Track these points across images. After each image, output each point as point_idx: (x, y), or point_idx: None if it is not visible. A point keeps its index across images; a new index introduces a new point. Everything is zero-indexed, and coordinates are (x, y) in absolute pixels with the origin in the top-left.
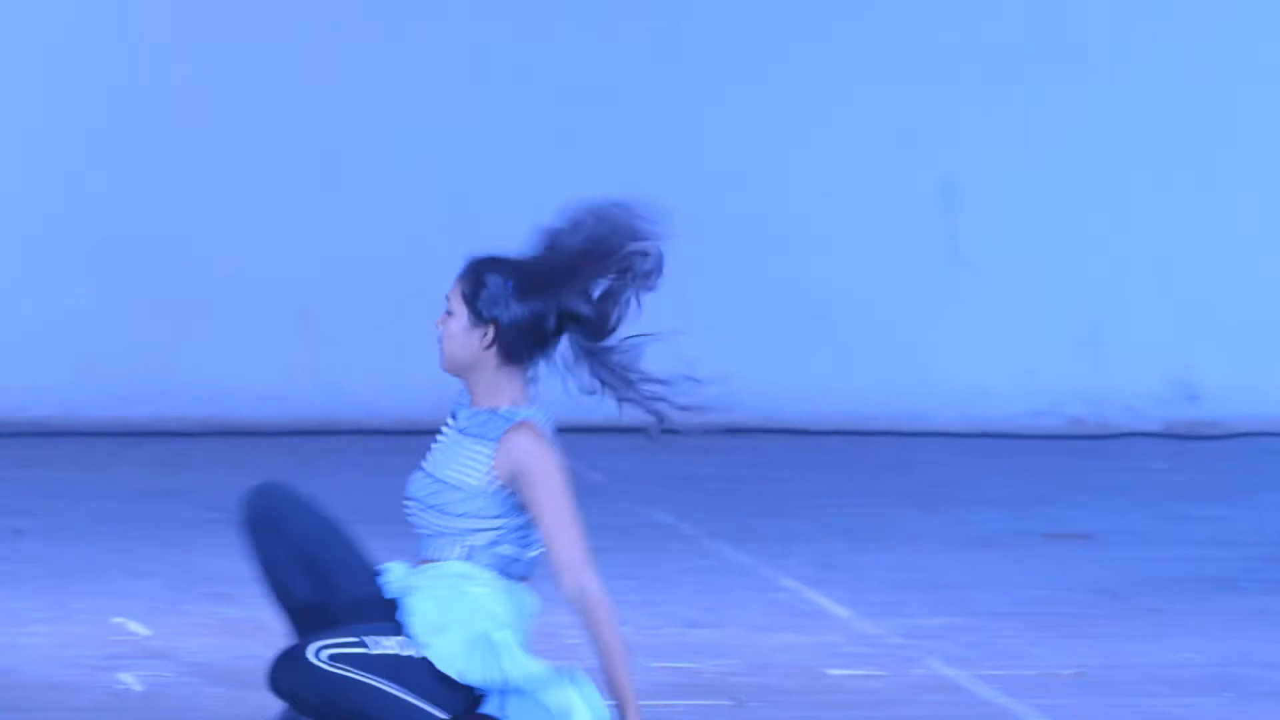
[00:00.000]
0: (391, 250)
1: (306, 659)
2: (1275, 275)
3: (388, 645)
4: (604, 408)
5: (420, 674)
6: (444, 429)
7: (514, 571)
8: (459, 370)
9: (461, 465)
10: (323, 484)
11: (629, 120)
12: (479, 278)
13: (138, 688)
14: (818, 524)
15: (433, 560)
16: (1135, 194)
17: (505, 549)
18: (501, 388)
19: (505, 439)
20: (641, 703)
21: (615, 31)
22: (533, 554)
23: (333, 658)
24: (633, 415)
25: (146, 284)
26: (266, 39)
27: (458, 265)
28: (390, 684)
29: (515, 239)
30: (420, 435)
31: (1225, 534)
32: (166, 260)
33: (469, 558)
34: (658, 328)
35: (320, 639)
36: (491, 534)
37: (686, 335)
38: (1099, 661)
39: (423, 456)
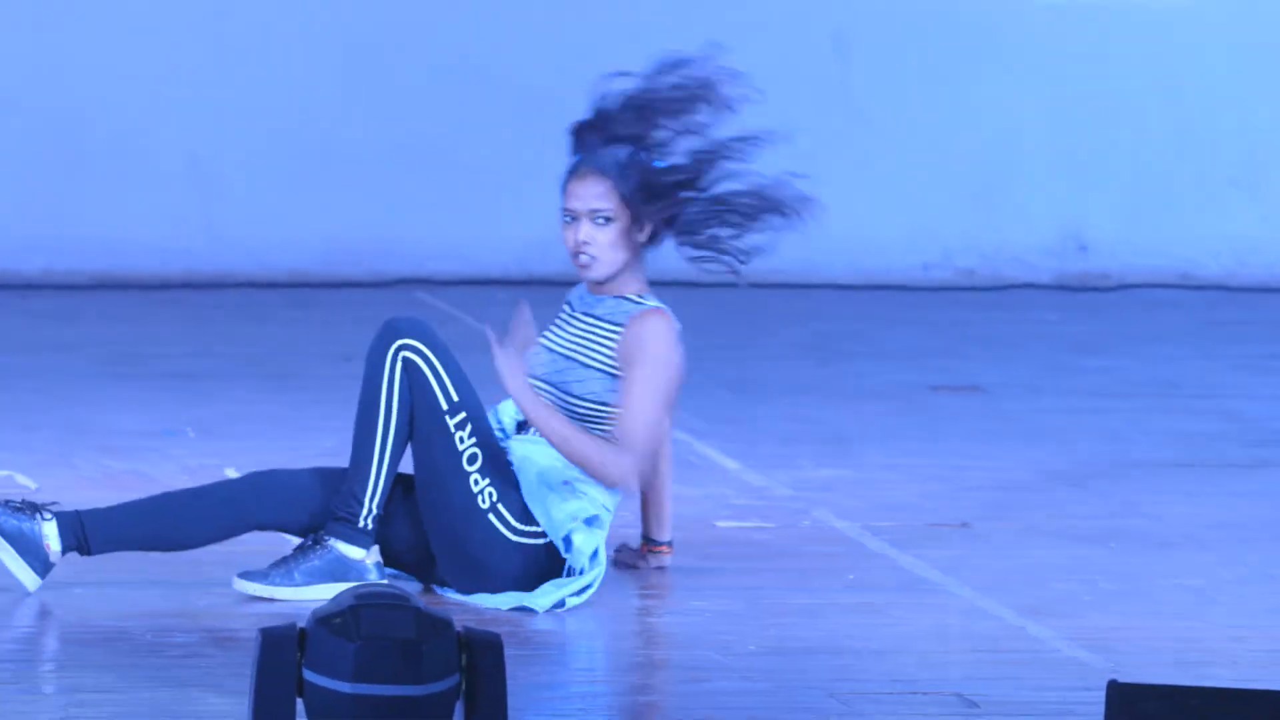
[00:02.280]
0: (283, 101)
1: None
2: (1164, 128)
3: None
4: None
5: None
6: (563, 312)
7: None
8: (615, 275)
9: (592, 347)
10: (215, 337)
11: None
12: (632, 174)
13: None
14: (707, 376)
15: (533, 433)
16: (1028, 46)
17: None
18: (631, 277)
19: (636, 321)
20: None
21: None
22: None
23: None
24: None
25: (36, 136)
26: None
27: (355, 116)
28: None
29: (413, 87)
30: (310, 288)
31: (1114, 385)
32: (56, 113)
33: None
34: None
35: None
36: (602, 423)
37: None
38: (985, 513)
39: (323, 309)
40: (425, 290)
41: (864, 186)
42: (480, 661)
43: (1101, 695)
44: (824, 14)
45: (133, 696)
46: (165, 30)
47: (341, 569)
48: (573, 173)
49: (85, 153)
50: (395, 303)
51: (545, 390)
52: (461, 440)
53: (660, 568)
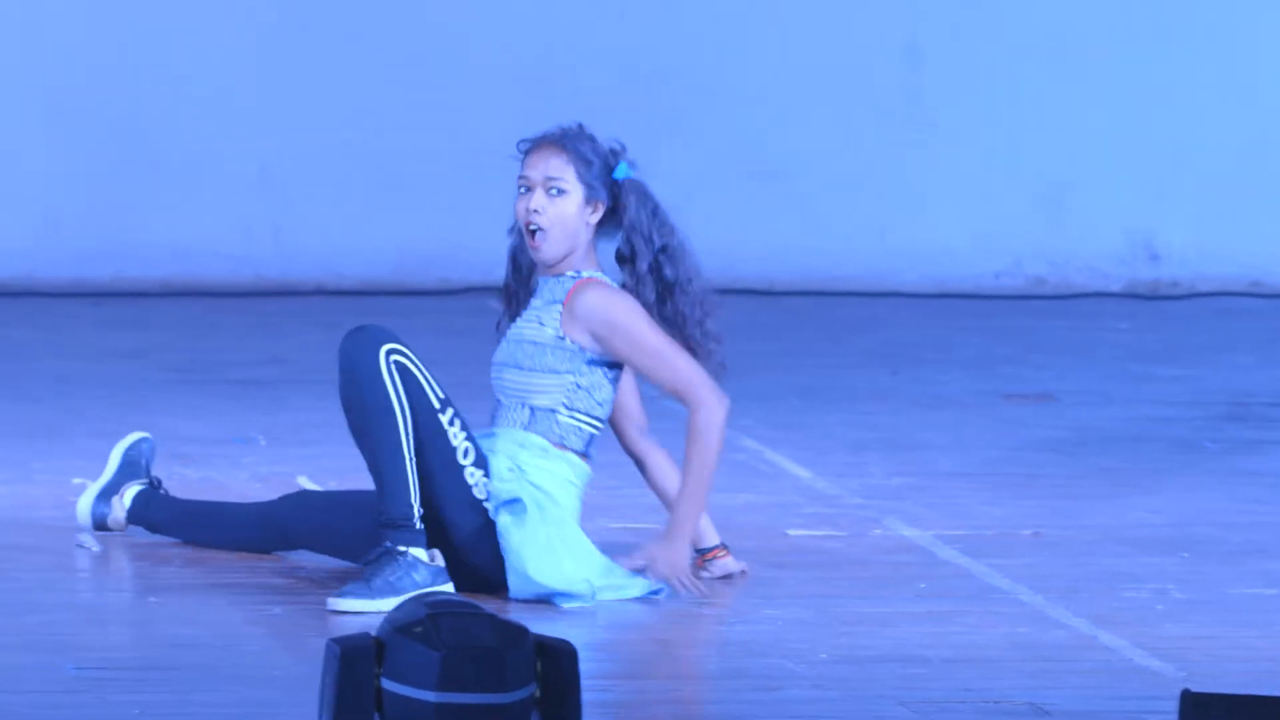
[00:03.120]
0: (353, 109)
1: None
2: (1235, 134)
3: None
4: None
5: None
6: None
7: (569, 443)
8: (563, 255)
9: (535, 324)
10: (285, 344)
11: None
12: (580, 149)
13: (95, 549)
14: (777, 384)
15: (496, 425)
16: (1098, 53)
17: (565, 416)
18: (583, 260)
19: (575, 299)
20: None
21: None
22: (594, 426)
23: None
24: None
25: (107, 144)
26: None
27: (424, 123)
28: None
29: (481, 94)
30: (380, 296)
31: (1186, 394)
32: (127, 120)
33: (528, 425)
34: None
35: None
36: (557, 393)
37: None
38: (1056, 521)
39: (392, 318)
40: (496, 299)
41: (934, 194)
42: (556, 669)
43: (1175, 705)
44: (896, 23)
45: (201, 707)
46: (235, 37)
47: (428, 576)
48: (533, 144)
49: (155, 160)
50: (465, 311)
51: (504, 372)
52: (455, 436)
53: (728, 576)
